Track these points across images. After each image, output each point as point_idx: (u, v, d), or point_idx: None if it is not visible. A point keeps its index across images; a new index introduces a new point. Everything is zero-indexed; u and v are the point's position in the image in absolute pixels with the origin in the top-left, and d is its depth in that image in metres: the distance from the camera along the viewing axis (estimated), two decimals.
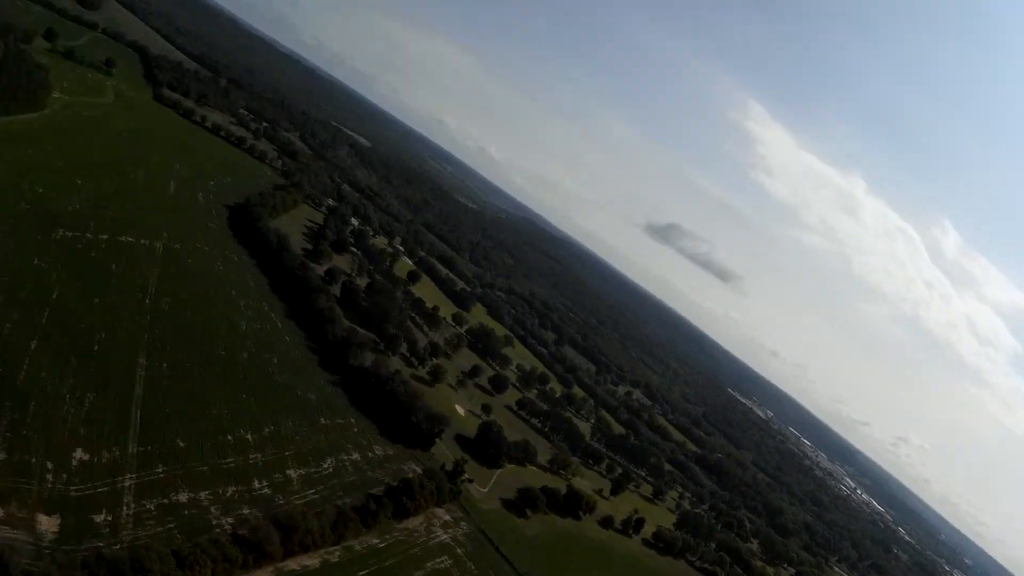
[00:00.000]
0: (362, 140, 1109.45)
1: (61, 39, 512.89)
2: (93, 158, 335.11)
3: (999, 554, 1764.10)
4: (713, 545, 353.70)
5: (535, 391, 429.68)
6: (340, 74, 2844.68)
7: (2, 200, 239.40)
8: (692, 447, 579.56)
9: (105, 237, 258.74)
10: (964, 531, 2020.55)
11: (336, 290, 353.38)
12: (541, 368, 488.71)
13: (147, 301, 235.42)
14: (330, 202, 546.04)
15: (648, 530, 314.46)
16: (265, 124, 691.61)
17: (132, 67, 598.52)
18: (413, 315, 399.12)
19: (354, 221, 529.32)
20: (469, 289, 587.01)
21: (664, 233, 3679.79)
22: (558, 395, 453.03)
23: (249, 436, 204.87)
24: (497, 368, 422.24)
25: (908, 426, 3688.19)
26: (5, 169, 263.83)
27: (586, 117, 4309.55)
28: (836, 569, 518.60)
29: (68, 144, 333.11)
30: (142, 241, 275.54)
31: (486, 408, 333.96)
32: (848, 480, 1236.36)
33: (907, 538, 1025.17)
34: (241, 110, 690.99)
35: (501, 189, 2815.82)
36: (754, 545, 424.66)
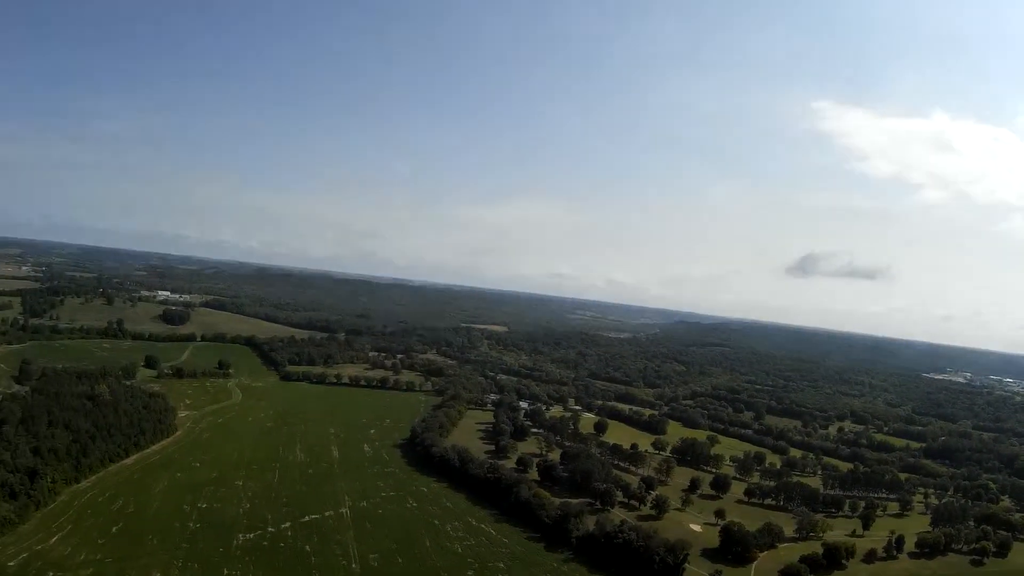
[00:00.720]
0: (497, 328, 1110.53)
1: (163, 361, 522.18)
2: (245, 457, 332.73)
3: None
4: (971, 522, 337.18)
5: (756, 473, 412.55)
6: (448, 278, 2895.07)
7: (169, 530, 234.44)
8: (915, 445, 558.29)
9: (287, 525, 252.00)
10: None
11: (534, 474, 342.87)
12: (754, 449, 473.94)
13: (354, 566, 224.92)
14: (492, 397, 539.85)
15: (909, 543, 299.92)
16: (399, 356, 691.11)
17: (248, 360, 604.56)
18: (615, 462, 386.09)
19: (523, 404, 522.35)
20: (656, 413, 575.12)
21: (802, 267, 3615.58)
22: (779, 466, 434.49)
23: None
24: (713, 470, 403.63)
25: None
26: (161, 499, 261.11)
27: (684, 199, 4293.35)
28: None
29: (215, 454, 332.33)
30: (327, 513, 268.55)
31: (719, 513, 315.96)
32: None
33: None
34: (371, 353, 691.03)
35: (645, 307, 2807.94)
36: (1007, 501, 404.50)
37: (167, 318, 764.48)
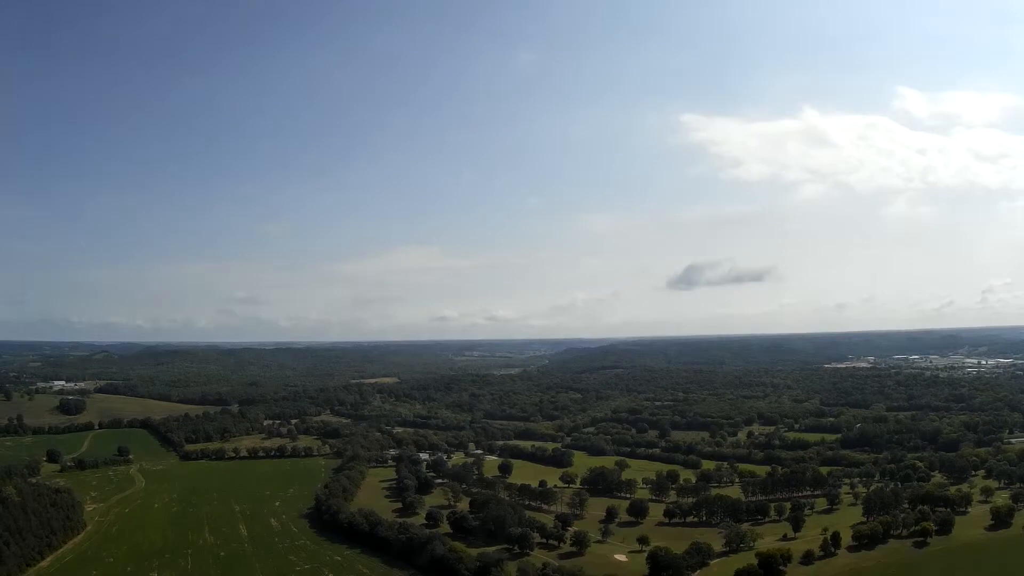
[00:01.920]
0: (387, 380, 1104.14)
1: (65, 453, 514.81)
2: (156, 546, 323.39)
3: None
4: (906, 505, 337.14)
5: (672, 492, 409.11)
6: (333, 335, 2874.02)
7: None
8: (831, 437, 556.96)
9: None
10: None
11: (445, 526, 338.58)
12: (665, 468, 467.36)
13: None
14: (392, 452, 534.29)
15: (846, 537, 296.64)
16: (294, 422, 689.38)
17: (147, 443, 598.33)
18: (527, 502, 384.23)
19: (423, 456, 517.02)
20: (559, 445, 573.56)
21: (685, 280, 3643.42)
22: (694, 481, 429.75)
23: None
24: (627, 496, 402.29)
25: (985, 277, 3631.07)
26: None
27: (558, 228, 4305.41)
28: (1017, 439, 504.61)
29: (126, 546, 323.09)
30: None
31: (642, 540, 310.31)
32: (969, 361, 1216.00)
33: None
34: (265, 422, 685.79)
35: (531, 339, 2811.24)
36: (939, 476, 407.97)
37: (64, 408, 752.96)
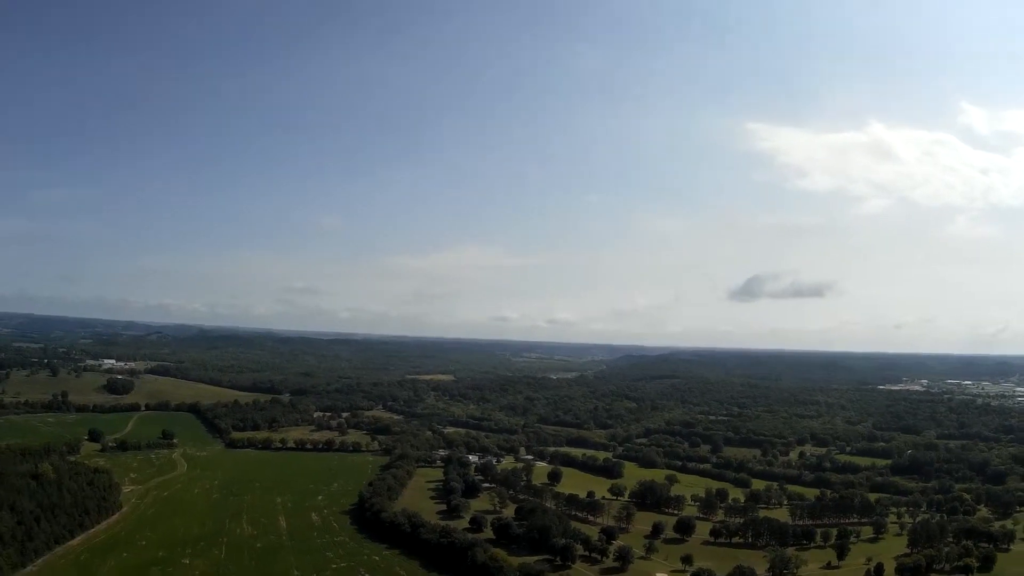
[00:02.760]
0: (443, 378, 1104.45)
1: (107, 434, 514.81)
2: (192, 533, 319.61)
3: None
4: (950, 538, 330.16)
5: (720, 511, 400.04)
6: (391, 329, 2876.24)
7: None
8: (881, 462, 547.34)
9: None
10: None
11: (489, 532, 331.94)
12: (715, 486, 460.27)
13: None
14: (441, 453, 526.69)
15: (889, 568, 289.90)
16: (345, 415, 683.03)
17: (193, 428, 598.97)
18: (573, 513, 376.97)
19: (472, 458, 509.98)
20: (611, 455, 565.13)
21: (748, 291, 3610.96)
22: (743, 501, 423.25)
23: None
24: (675, 512, 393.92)
25: None
26: None
27: (621, 229, 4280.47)
28: None
29: (161, 531, 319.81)
30: None
31: (686, 559, 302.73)
32: (1019, 390, 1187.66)
33: None
34: (315, 414, 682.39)
35: (590, 343, 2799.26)
36: (984, 511, 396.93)
37: (111, 388, 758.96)
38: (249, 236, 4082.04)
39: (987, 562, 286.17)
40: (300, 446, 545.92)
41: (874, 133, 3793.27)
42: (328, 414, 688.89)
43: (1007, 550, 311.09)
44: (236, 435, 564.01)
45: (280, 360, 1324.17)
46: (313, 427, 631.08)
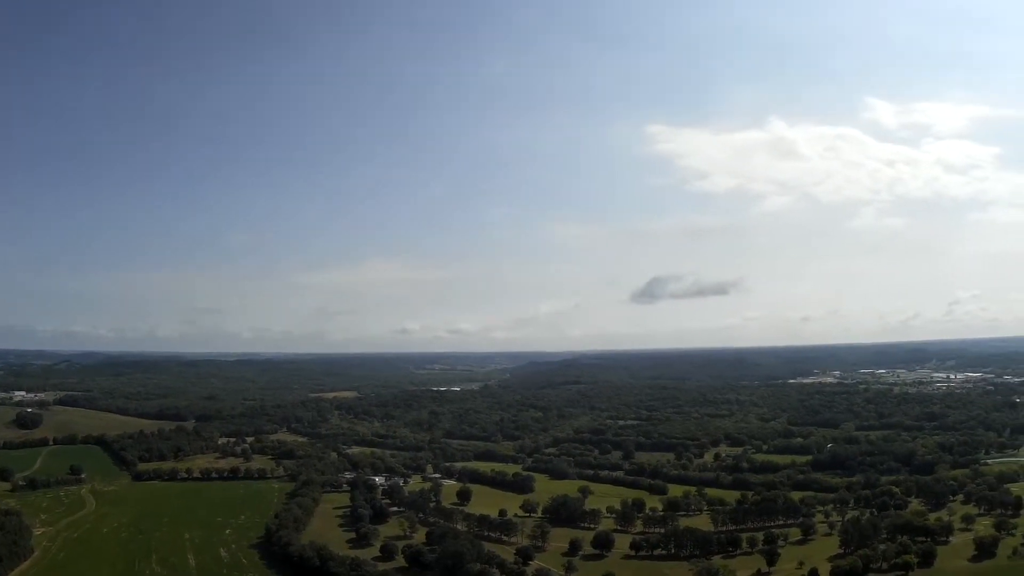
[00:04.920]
0: (347, 395, 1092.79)
1: (18, 471, 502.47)
2: None
3: None
4: (884, 535, 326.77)
5: (639, 521, 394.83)
6: (295, 347, 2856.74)
7: None
8: (802, 459, 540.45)
9: None
10: None
11: (401, 560, 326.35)
12: (631, 496, 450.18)
13: None
14: (347, 476, 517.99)
15: (823, 572, 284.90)
16: (249, 440, 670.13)
17: (101, 461, 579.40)
18: (485, 533, 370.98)
19: (379, 480, 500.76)
20: (521, 469, 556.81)
21: (649, 292, 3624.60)
22: (661, 510, 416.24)
23: None
24: (592, 527, 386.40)
25: (952, 290, 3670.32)
26: None
27: (523, 239, 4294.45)
28: (993, 460, 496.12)
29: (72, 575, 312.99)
30: None
31: None
32: (937, 375, 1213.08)
33: (1015, 379, 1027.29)
34: (220, 440, 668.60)
35: (494, 352, 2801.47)
36: (916, 503, 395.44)
37: (20, 422, 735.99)
38: (150, 255, 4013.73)
39: (927, 557, 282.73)
40: (206, 476, 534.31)
41: (776, 131, 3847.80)
42: (233, 439, 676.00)
43: (946, 543, 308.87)
44: (143, 467, 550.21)
45: (186, 384, 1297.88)
46: (218, 454, 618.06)
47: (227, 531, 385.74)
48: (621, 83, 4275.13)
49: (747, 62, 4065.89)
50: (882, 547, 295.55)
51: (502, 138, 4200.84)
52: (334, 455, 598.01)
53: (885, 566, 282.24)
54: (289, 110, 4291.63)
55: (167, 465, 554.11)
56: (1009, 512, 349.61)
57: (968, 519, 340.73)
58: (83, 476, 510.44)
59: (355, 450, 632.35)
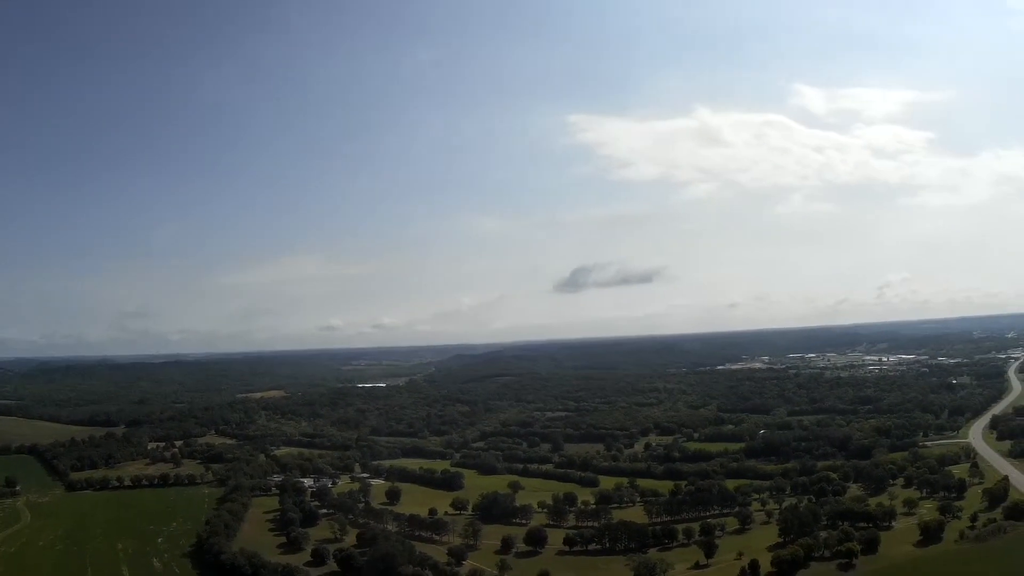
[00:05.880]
0: (274, 394, 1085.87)
1: None
2: None
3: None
4: (824, 522, 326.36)
5: (572, 515, 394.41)
6: (222, 347, 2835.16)
7: None
8: (734, 446, 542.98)
9: None
10: (983, 313, 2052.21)
11: (333, 565, 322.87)
12: (562, 488, 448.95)
13: None
14: (276, 478, 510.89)
15: (765, 563, 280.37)
16: (179, 444, 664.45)
17: (35, 471, 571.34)
18: (416, 533, 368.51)
19: (307, 482, 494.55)
20: (450, 465, 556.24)
21: (573, 282, 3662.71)
22: (594, 502, 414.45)
23: None
24: (524, 523, 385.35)
25: (882, 273, 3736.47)
26: None
27: (446, 232, 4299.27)
28: (932, 443, 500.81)
29: None
30: None
31: (544, 575, 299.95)
32: (869, 358, 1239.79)
33: (949, 360, 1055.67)
34: (150, 445, 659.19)
35: (419, 345, 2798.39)
36: (855, 488, 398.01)
37: None
38: (76, 259, 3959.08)
39: (871, 544, 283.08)
40: (137, 483, 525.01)
41: (701, 118, 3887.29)
42: (163, 444, 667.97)
43: (889, 528, 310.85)
44: (76, 476, 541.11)
45: (116, 388, 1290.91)
46: (148, 460, 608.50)
47: (159, 540, 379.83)
48: (542, 73, 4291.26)
49: (672, 51, 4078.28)
50: (823, 535, 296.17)
51: (423, 132, 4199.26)
52: (263, 457, 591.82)
53: (828, 554, 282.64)
54: (209, 110, 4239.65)
55: (99, 474, 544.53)
56: (953, 495, 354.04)
57: (911, 503, 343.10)
58: (18, 488, 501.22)
59: (283, 451, 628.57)
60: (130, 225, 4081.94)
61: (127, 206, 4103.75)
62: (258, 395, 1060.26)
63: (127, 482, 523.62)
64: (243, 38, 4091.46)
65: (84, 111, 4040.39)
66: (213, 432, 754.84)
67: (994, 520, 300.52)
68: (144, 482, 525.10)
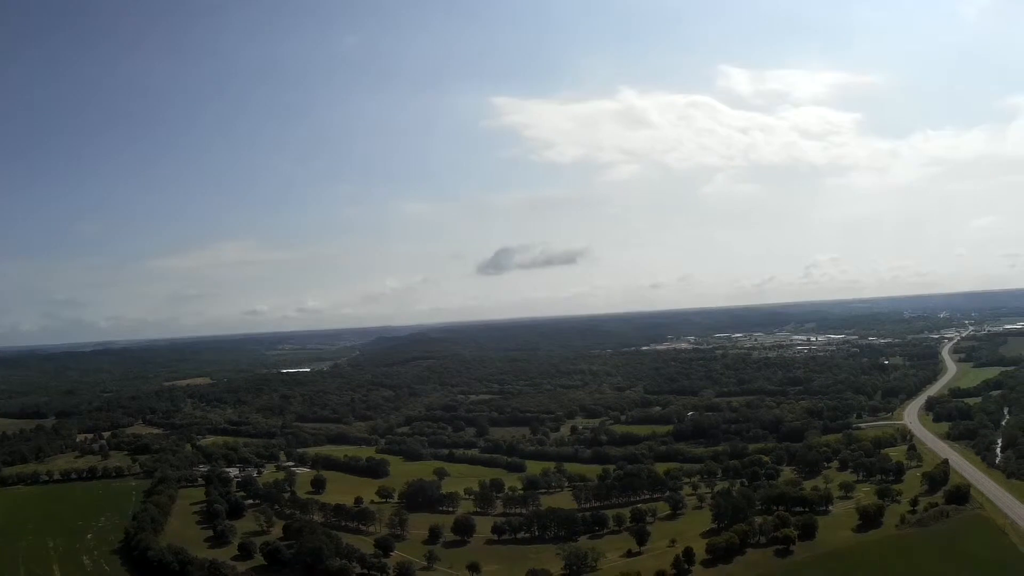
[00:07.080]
0: (200, 381, 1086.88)
1: None
2: None
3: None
4: (758, 506, 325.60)
5: (499, 502, 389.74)
6: (148, 334, 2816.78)
7: None
8: (661, 429, 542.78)
9: None
10: (913, 293, 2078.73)
11: (260, 559, 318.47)
12: (488, 474, 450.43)
13: None
14: (201, 468, 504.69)
15: (699, 549, 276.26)
16: (107, 435, 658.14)
17: None
18: (343, 524, 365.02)
19: (232, 472, 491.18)
20: (375, 452, 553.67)
21: (496, 264, 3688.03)
22: (521, 489, 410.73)
23: None
24: (450, 510, 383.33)
25: (810, 253, 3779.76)
26: None
27: (372, 216, 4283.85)
28: (866, 425, 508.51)
29: None
30: None
31: (473, 567, 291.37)
32: (797, 338, 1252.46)
33: (880, 341, 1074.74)
34: (79, 437, 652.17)
35: (343, 328, 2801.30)
36: (788, 471, 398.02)
37: None
38: (6, 247, 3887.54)
39: (808, 530, 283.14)
40: (66, 477, 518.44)
41: (626, 100, 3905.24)
42: (91, 436, 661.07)
43: (826, 512, 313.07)
44: (7, 471, 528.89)
45: (46, 379, 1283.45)
46: (77, 453, 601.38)
47: (88, 536, 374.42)
48: (467, 56, 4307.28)
49: (597, 33, 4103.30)
50: (758, 520, 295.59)
51: (349, 115, 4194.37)
52: (189, 447, 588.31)
53: (764, 540, 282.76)
54: (136, 95, 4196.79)
55: (29, 468, 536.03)
56: (891, 478, 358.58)
57: (847, 487, 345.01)
58: None
59: (209, 440, 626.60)
60: (60, 213, 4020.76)
61: (54, 194, 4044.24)
62: (184, 382, 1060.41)
63: (56, 476, 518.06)
64: (165, 20, 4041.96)
65: (12, 104, 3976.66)
66: (140, 422, 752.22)
67: (935, 504, 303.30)
68: (73, 475, 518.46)
